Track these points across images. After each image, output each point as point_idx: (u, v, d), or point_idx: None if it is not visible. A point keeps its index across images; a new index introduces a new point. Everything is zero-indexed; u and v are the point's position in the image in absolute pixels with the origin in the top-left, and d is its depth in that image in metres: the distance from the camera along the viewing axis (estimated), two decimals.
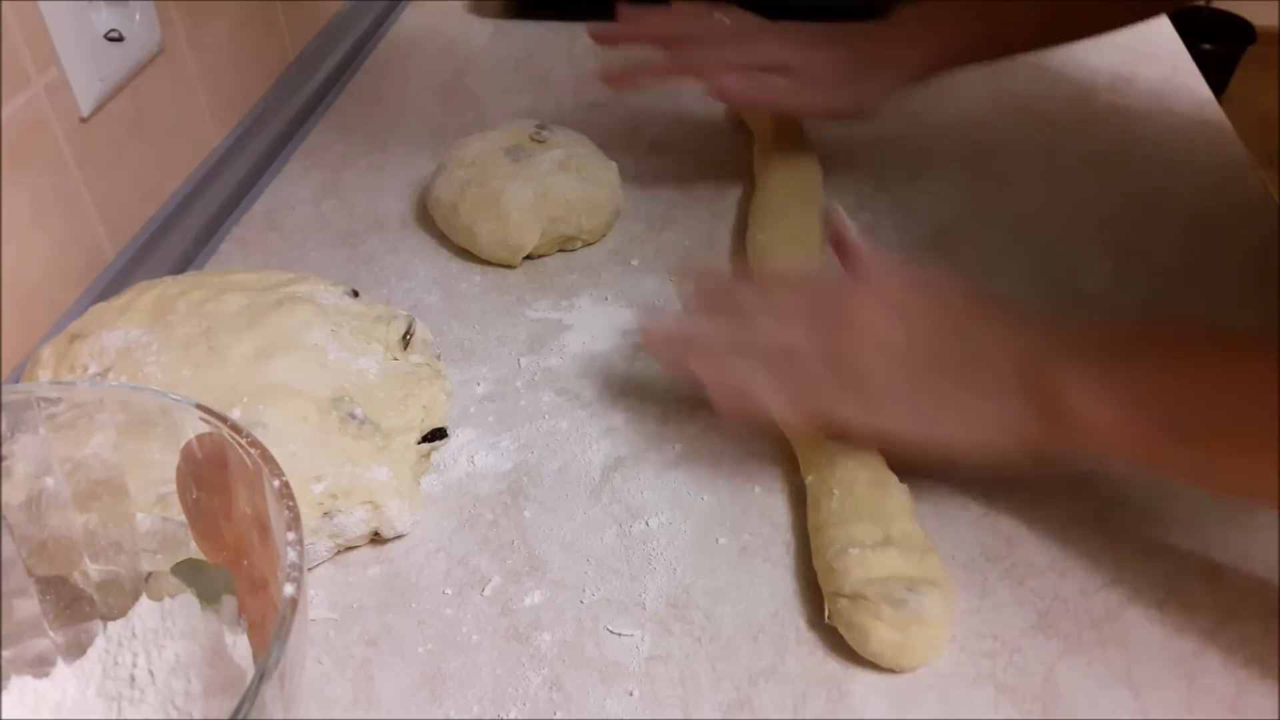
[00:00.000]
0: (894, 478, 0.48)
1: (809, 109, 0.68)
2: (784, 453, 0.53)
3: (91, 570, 0.42)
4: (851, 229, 0.51)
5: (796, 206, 0.66)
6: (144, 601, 0.42)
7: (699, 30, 0.68)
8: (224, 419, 0.38)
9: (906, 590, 0.42)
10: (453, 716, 0.42)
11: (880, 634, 0.42)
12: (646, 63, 0.68)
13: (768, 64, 0.66)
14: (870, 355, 0.47)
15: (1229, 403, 0.41)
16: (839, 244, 0.51)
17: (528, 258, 0.66)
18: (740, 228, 0.68)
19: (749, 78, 0.66)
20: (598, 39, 0.69)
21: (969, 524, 0.49)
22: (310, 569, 0.48)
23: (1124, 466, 0.46)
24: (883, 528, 0.45)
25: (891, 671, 0.43)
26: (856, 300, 0.48)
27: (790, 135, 0.73)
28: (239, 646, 0.40)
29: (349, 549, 0.49)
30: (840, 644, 0.44)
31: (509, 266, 0.65)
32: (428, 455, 0.52)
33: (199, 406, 0.39)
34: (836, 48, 0.66)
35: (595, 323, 0.61)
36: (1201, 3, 2.34)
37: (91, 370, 0.49)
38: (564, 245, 0.67)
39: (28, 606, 0.41)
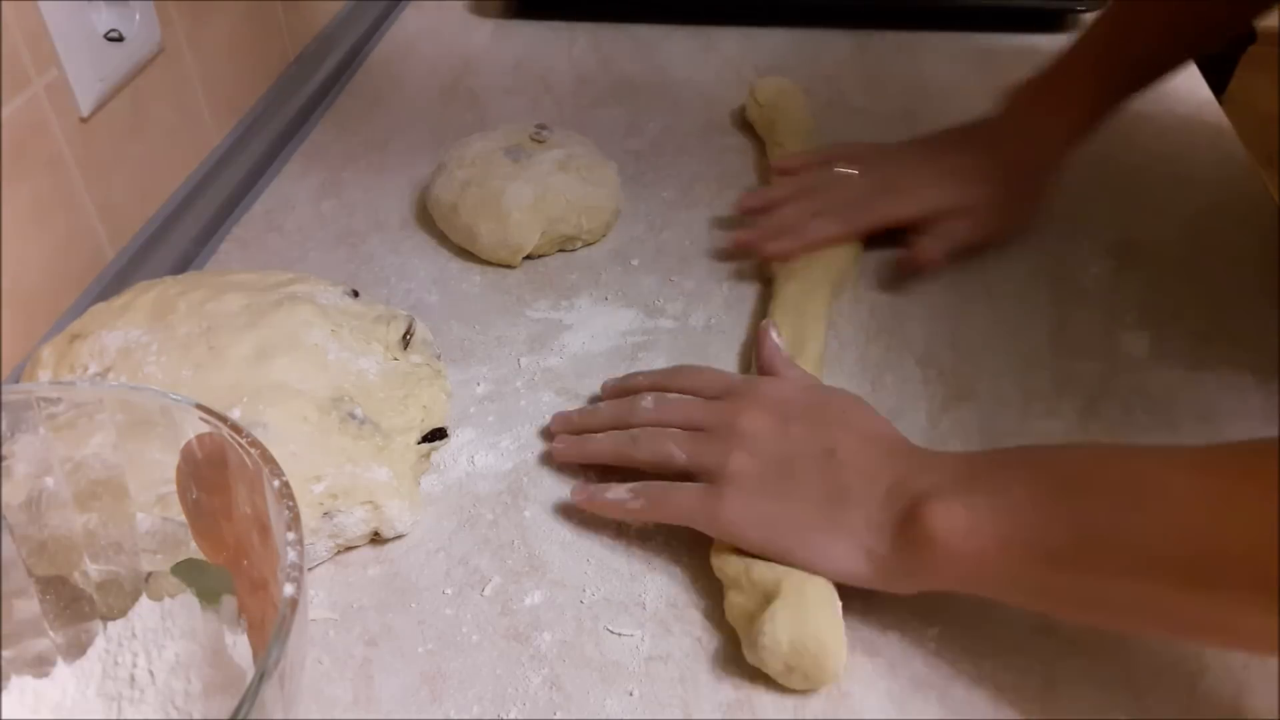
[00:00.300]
0: None
1: (993, 238, 0.65)
2: None
3: (91, 570, 0.42)
4: (776, 346, 0.53)
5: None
6: (144, 601, 0.42)
7: (839, 198, 0.65)
8: (224, 419, 0.38)
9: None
10: (453, 716, 0.42)
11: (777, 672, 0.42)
12: (815, 234, 0.63)
13: (929, 214, 0.63)
14: (738, 462, 0.46)
15: (1104, 523, 0.38)
16: (762, 358, 0.53)
17: (528, 258, 0.66)
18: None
19: (940, 235, 0.63)
20: (744, 250, 0.64)
21: None
22: (310, 569, 0.48)
23: (989, 595, 0.42)
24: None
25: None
26: (745, 409, 0.48)
27: None
28: (239, 646, 0.40)
29: (349, 549, 0.49)
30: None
31: (509, 266, 0.65)
32: (428, 455, 0.52)
33: (199, 406, 0.39)
34: (989, 173, 0.63)
35: (595, 323, 0.61)
36: None
37: (91, 370, 0.49)
38: (564, 245, 0.67)
39: (28, 606, 0.41)
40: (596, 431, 0.51)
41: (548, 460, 0.52)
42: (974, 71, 0.86)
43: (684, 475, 0.47)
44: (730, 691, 0.42)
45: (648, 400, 0.51)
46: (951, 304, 0.62)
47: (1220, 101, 0.81)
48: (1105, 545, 0.38)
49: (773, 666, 0.42)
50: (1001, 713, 0.42)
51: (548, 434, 0.53)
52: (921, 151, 0.67)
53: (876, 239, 0.64)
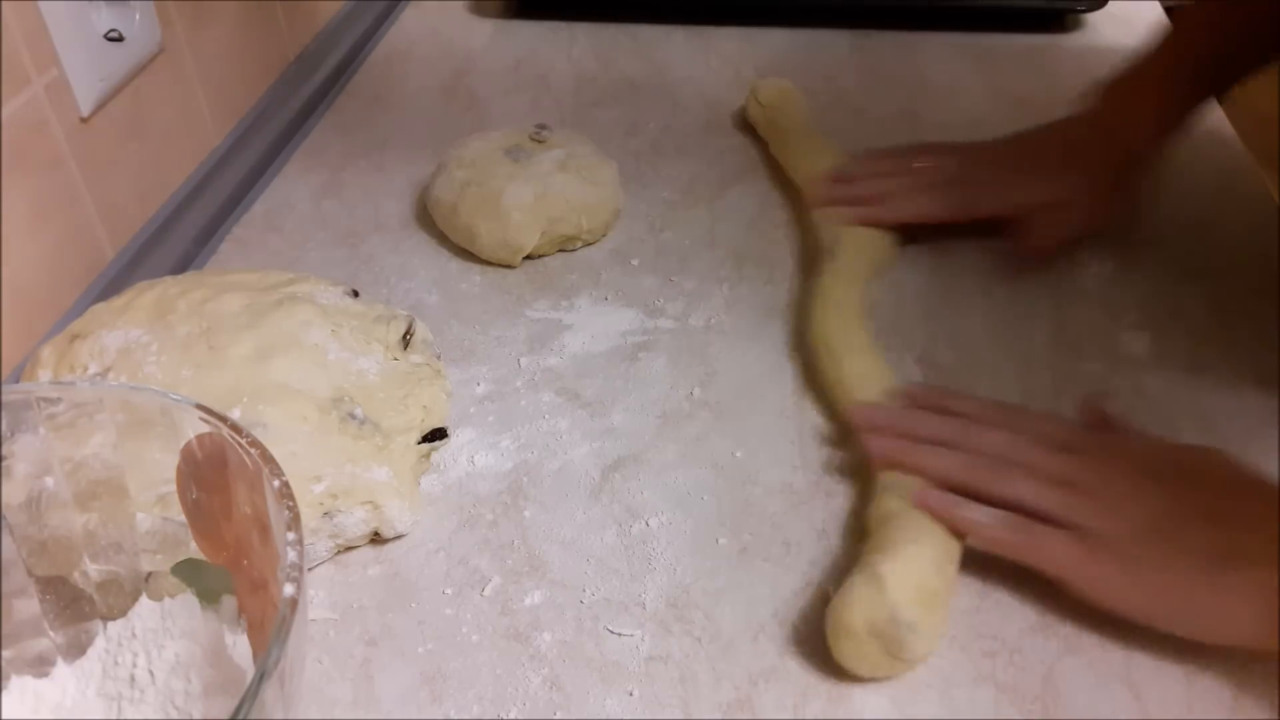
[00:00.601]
0: None
1: (1088, 231, 0.65)
2: (782, 454, 0.53)
3: (91, 570, 0.42)
4: (1108, 409, 0.50)
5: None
6: (144, 601, 0.42)
7: (924, 182, 0.65)
8: (224, 419, 0.38)
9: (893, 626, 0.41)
10: (453, 716, 0.42)
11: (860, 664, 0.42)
12: (899, 210, 0.64)
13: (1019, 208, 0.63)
14: (1111, 522, 0.44)
15: None
16: (1096, 416, 0.50)
17: (528, 258, 0.66)
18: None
19: (1052, 224, 0.63)
20: (823, 201, 0.64)
21: None
22: (310, 569, 0.48)
23: None
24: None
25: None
26: (1111, 466, 0.46)
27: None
28: (239, 646, 0.40)
29: (349, 549, 0.49)
30: None
31: (509, 266, 0.65)
32: (428, 455, 0.52)
33: (199, 406, 0.39)
34: (1075, 170, 0.63)
35: (595, 323, 0.61)
36: None
37: (91, 370, 0.49)
38: (564, 245, 0.67)
39: (28, 606, 0.41)
40: (921, 441, 0.48)
41: (874, 458, 0.49)
42: (974, 71, 0.86)
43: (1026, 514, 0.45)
44: (730, 691, 0.42)
45: (997, 435, 0.48)
46: (951, 304, 0.62)
47: (1220, 101, 0.81)
48: None
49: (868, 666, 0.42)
50: (1001, 713, 0.42)
51: (868, 428, 0.50)
52: (1009, 149, 0.67)
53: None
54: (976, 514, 0.45)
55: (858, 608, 0.41)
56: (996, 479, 0.46)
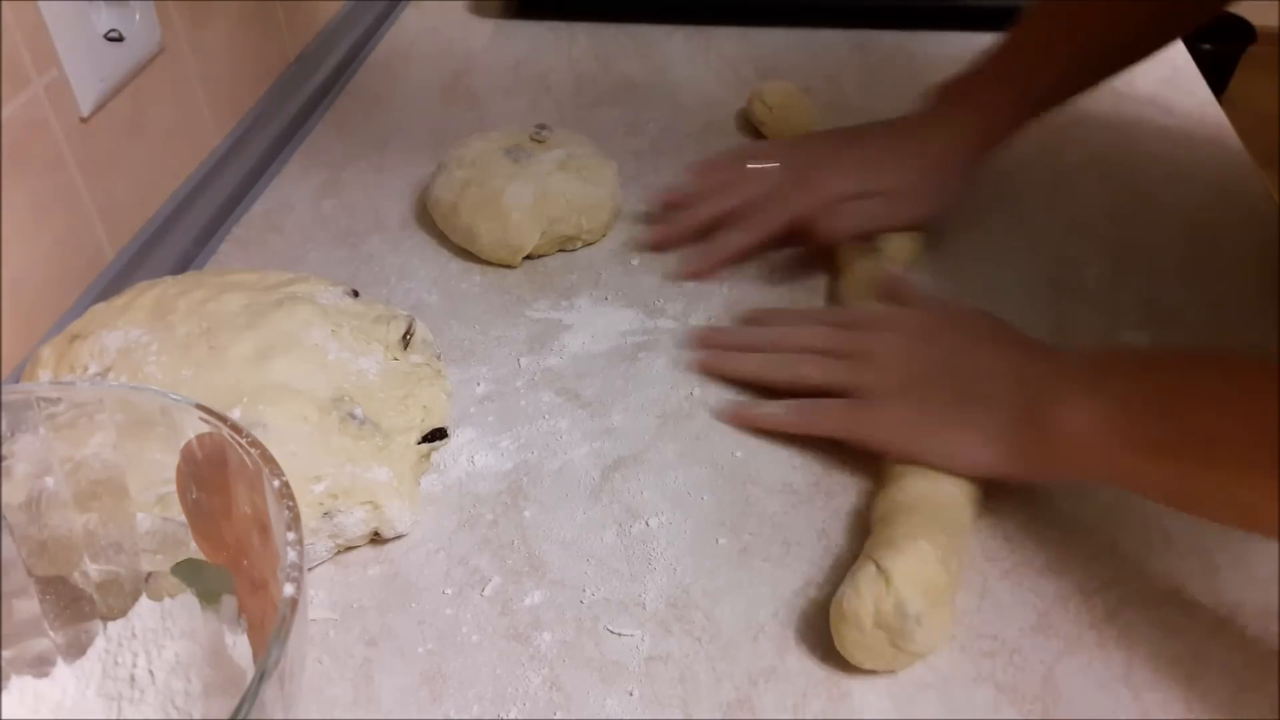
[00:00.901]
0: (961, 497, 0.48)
1: (906, 223, 0.64)
2: (782, 454, 0.53)
3: (91, 570, 0.42)
4: (903, 278, 0.58)
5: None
6: (144, 601, 0.42)
7: (755, 192, 0.65)
8: (224, 419, 0.38)
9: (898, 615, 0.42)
10: (453, 716, 0.42)
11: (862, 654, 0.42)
12: (725, 249, 0.64)
13: (841, 197, 0.64)
14: (874, 379, 0.51)
15: (1210, 422, 0.41)
16: (890, 289, 0.57)
17: (528, 258, 0.66)
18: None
19: (845, 214, 0.63)
20: (659, 248, 0.66)
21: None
22: (310, 569, 0.48)
23: (1104, 486, 0.47)
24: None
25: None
26: (877, 334, 0.53)
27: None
28: (239, 646, 0.40)
29: (349, 549, 0.49)
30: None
31: (509, 266, 0.65)
32: (428, 455, 0.52)
33: (199, 406, 0.39)
34: (903, 160, 0.64)
35: (595, 323, 0.61)
36: None
37: (91, 370, 0.49)
38: (564, 245, 0.67)
39: (28, 606, 0.41)
40: (739, 350, 0.57)
41: (694, 369, 0.57)
42: None
43: (822, 395, 0.52)
44: (730, 691, 0.42)
45: (798, 330, 0.56)
46: None
47: (1220, 101, 0.81)
48: (1218, 442, 0.41)
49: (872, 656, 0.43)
50: (1002, 713, 0.42)
51: (697, 345, 0.58)
52: (836, 140, 0.68)
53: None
54: (766, 409, 0.54)
55: (865, 598, 0.42)
56: (789, 367, 0.54)
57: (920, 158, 0.65)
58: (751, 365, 0.56)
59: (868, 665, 0.42)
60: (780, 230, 0.64)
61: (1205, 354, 0.48)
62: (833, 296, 0.63)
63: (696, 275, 0.64)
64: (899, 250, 0.63)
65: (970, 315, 0.54)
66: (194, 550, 0.42)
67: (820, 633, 0.44)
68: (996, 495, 0.50)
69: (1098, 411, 0.44)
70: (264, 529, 0.37)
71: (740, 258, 0.64)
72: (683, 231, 0.66)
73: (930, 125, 0.66)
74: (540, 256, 0.66)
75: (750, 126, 0.79)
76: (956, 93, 0.66)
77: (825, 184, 0.64)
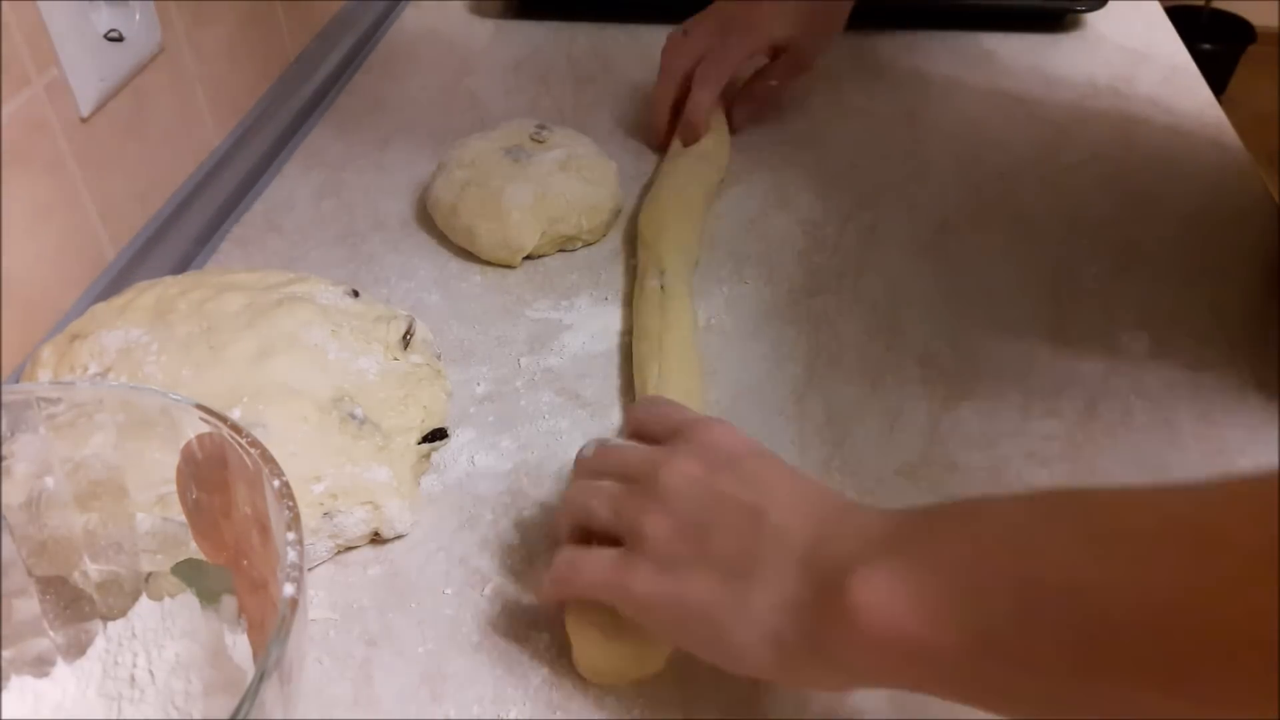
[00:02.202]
0: None
1: (799, 70, 0.76)
2: (782, 454, 0.53)
3: (91, 570, 0.42)
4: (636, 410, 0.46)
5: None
6: (144, 601, 0.42)
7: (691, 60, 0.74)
8: (224, 419, 0.38)
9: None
10: (453, 716, 0.42)
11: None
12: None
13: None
14: (654, 525, 0.39)
15: (1056, 584, 0.29)
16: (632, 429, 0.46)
17: (528, 258, 0.66)
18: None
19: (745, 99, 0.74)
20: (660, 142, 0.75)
21: None
22: (310, 569, 0.48)
23: (925, 691, 0.34)
24: None
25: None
26: (674, 456, 0.41)
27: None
28: (239, 646, 0.40)
29: (349, 549, 0.49)
30: None
31: (509, 267, 0.65)
32: (428, 455, 0.52)
33: (199, 406, 0.39)
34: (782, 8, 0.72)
35: (595, 323, 0.61)
36: (1201, 3, 2.34)
37: (91, 370, 0.49)
38: (564, 245, 0.67)
39: (28, 606, 0.41)
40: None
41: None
42: (974, 71, 0.86)
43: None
44: (730, 691, 0.42)
45: (589, 448, 0.45)
46: (951, 304, 0.62)
47: (1220, 101, 0.81)
48: (1056, 621, 0.29)
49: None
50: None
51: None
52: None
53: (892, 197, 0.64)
54: (547, 578, 0.42)
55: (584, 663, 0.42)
56: (565, 506, 0.43)
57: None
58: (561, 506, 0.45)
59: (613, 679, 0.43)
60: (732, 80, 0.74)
61: (1036, 493, 0.33)
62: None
63: (695, 135, 0.72)
64: (710, 143, 0.72)
65: (772, 458, 0.41)
66: (194, 550, 0.42)
67: None
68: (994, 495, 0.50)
69: (907, 584, 0.32)
70: (264, 529, 0.37)
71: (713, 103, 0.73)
72: (661, 114, 0.75)
73: None
74: (540, 256, 0.66)
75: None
76: None
77: (762, 29, 0.74)
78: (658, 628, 0.39)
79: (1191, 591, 0.27)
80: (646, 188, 0.72)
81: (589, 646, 0.42)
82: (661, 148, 0.75)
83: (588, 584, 0.40)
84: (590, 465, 0.44)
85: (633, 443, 0.44)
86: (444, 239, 0.68)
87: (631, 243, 0.67)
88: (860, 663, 0.33)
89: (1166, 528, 0.28)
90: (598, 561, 0.40)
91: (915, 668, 0.32)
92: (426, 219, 0.69)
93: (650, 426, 0.44)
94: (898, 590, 0.32)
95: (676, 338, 0.56)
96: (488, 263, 0.66)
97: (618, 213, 0.69)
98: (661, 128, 0.75)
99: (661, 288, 0.59)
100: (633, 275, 0.64)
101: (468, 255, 0.66)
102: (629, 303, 0.62)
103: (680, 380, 0.54)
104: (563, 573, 0.41)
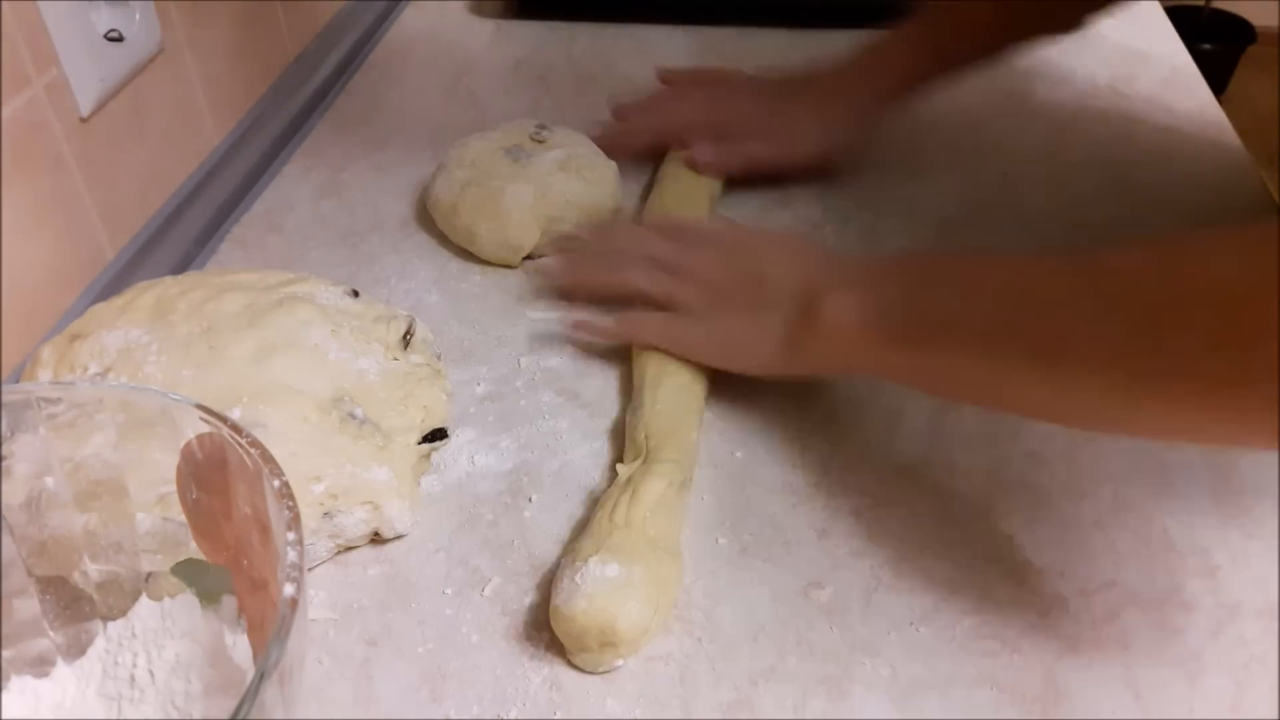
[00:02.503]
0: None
1: (780, 164, 0.71)
2: (782, 454, 0.53)
3: (91, 570, 0.42)
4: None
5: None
6: (144, 601, 0.42)
7: (680, 108, 0.76)
8: (224, 419, 0.38)
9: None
10: (453, 716, 0.42)
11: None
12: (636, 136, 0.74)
13: (736, 121, 0.72)
14: (688, 293, 0.55)
15: (942, 311, 0.46)
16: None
17: (528, 258, 0.66)
18: None
19: (721, 149, 0.71)
20: (614, 153, 0.71)
21: (969, 524, 0.49)
22: (310, 569, 0.48)
23: (870, 373, 0.52)
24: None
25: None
26: (700, 248, 0.57)
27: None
28: (239, 646, 0.40)
29: (349, 549, 0.49)
30: (840, 644, 0.44)
31: (509, 266, 0.65)
32: (428, 455, 0.52)
33: (199, 406, 0.39)
34: (798, 97, 0.71)
35: None
36: (1201, 3, 2.34)
37: (91, 370, 0.49)
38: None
39: (28, 606, 0.41)
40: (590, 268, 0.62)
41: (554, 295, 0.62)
42: (974, 71, 0.86)
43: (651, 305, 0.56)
44: (730, 691, 0.42)
45: (635, 241, 0.60)
46: None
47: (1220, 101, 0.81)
48: (950, 327, 0.45)
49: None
50: (1001, 713, 0.42)
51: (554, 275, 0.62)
52: (773, 84, 0.74)
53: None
54: (597, 321, 0.58)
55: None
56: (609, 273, 0.59)
57: (818, 103, 0.71)
58: (584, 270, 0.61)
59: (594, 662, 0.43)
60: (645, 142, 0.74)
61: (944, 255, 0.53)
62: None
63: (617, 150, 0.72)
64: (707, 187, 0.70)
65: (784, 233, 0.60)
66: (194, 550, 0.42)
67: (820, 632, 0.44)
68: (995, 495, 0.50)
69: (855, 303, 0.48)
70: (264, 529, 0.37)
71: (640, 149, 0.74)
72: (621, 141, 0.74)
73: (839, 75, 0.71)
74: (541, 257, 0.66)
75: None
76: (861, 57, 0.71)
77: (722, 106, 0.73)
78: (705, 360, 0.54)
79: (1044, 315, 0.42)
80: (647, 188, 0.72)
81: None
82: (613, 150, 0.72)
83: (646, 332, 0.56)
84: (630, 249, 0.60)
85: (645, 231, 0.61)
86: (444, 239, 0.68)
87: None
88: (828, 354, 0.51)
89: (1022, 271, 0.44)
90: (654, 318, 0.56)
91: (860, 358, 0.50)
92: (426, 219, 0.69)
93: (677, 231, 0.60)
94: (851, 303, 0.49)
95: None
96: (488, 263, 0.66)
97: (617, 213, 0.69)
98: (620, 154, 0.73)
99: None
100: None
101: (468, 255, 0.66)
102: None
103: (682, 376, 0.54)
104: (627, 322, 0.57)
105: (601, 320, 0.58)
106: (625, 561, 0.43)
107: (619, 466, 0.49)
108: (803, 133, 0.70)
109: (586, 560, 0.43)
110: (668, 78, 0.79)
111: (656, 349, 0.55)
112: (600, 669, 0.43)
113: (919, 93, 0.71)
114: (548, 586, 0.46)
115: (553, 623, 0.43)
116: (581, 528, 0.48)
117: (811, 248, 0.57)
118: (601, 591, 0.42)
